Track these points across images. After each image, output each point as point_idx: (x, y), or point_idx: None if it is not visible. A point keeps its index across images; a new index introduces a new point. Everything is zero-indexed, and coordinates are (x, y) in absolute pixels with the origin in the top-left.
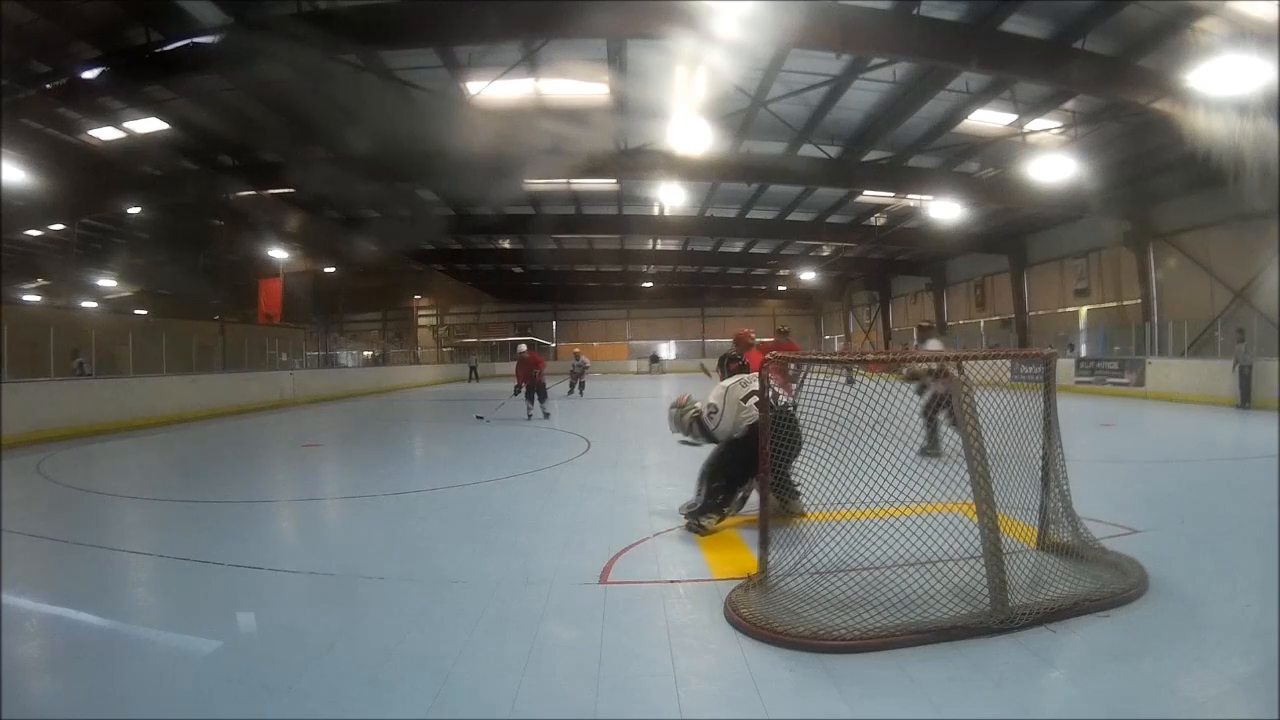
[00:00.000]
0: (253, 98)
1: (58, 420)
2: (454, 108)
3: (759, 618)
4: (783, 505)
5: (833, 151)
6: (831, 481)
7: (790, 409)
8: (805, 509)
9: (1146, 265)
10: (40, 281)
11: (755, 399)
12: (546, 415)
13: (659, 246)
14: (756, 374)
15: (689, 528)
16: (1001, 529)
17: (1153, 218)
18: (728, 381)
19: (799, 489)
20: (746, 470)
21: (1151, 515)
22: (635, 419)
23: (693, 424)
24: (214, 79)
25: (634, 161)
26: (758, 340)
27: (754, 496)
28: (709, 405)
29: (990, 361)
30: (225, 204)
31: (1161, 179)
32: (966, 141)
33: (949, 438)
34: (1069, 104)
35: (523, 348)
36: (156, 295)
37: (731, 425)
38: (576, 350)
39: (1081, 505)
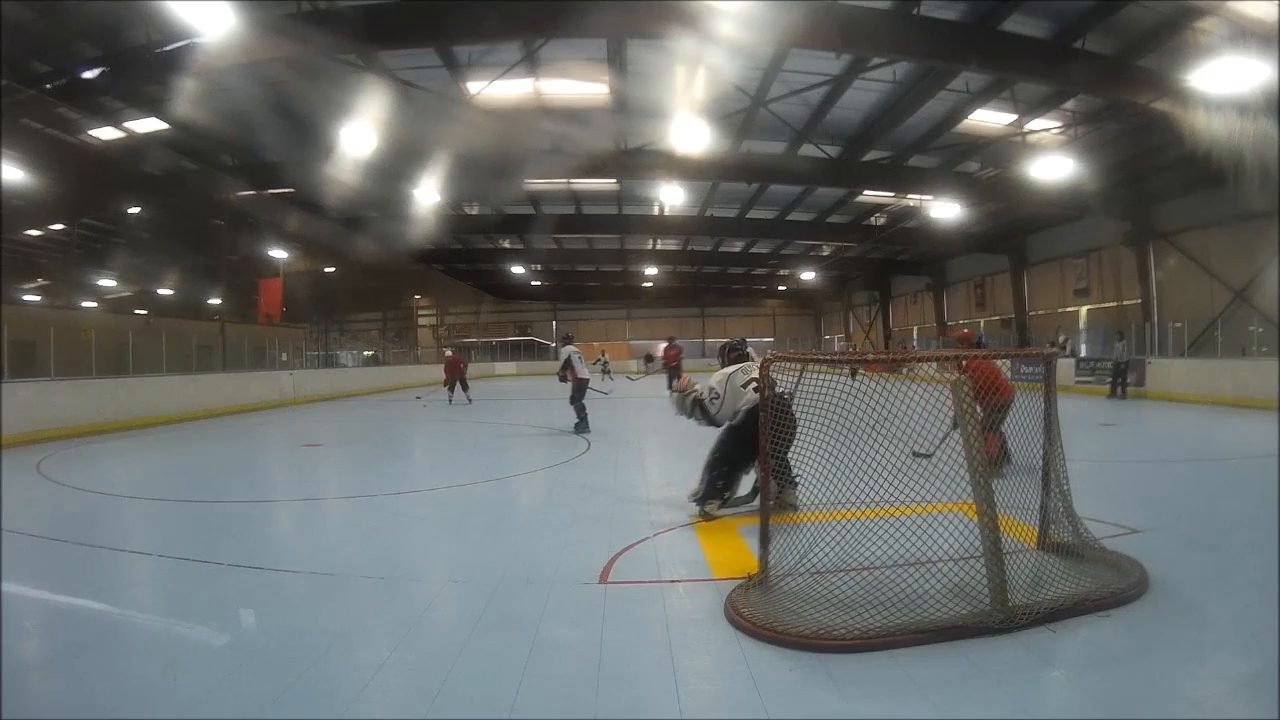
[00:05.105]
0: (253, 98)
1: (58, 420)
2: (454, 108)
3: (759, 617)
4: (779, 492)
5: (833, 151)
6: (832, 481)
7: (786, 398)
8: (799, 503)
9: (1146, 265)
10: (40, 281)
11: (755, 386)
12: (469, 400)
13: (659, 246)
14: (756, 363)
15: (700, 514)
16: (1001, 529)
17: (1153, 218)
18: (729, 369)
19: (798, 479)
20: (747, 455)
21: (1151, 515)
22: (635, 419)
23: (694, 406)
24: (214, 79)
25: (634, 161)
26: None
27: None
28: (710, 390)
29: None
30: (225, 204)
31: (1161, 179)
32: (966, 141)
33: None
34: (1069, 104)
35: (448, 352)
36: (156, 295)
37: (731, 410)
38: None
39: (1082, 505)
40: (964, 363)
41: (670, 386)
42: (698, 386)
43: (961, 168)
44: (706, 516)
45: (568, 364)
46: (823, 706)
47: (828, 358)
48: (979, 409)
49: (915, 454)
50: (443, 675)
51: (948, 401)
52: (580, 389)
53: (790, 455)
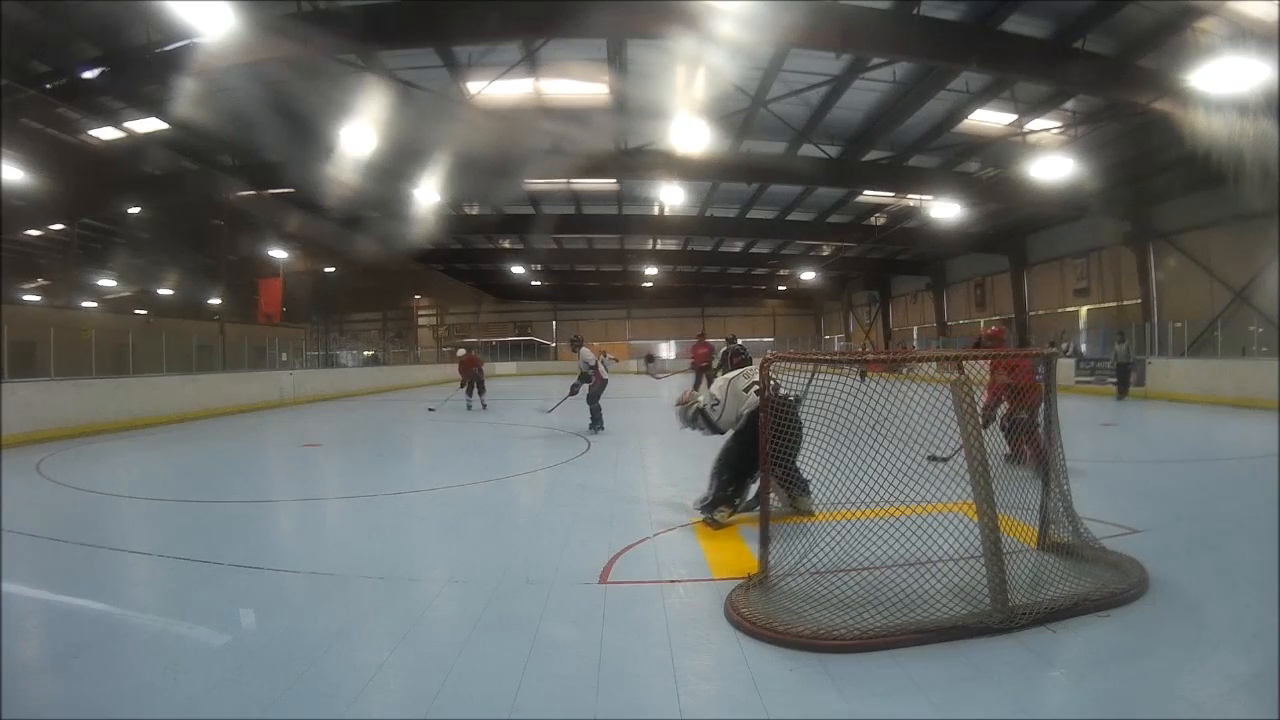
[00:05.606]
0: (253, 98)
1: (58, 420)
2: (454, 108)
3: (759, 617)
4: (790, 500)
5: (833, 151)
6: (832, 481)
7: (791, 400)
8: (814, 508)
9: (1146, 265)
10: (40, 281)
11: (757, 389)
12: (485, 406)
13: (659, 246)
14: (757, 367)
15: (706, 521)
16: (1001, 529)
17: (1153, 218)
18: (730, 374)
19: (809, 485)
20: (753, 459)
21: (1152, 515)
22: (635, 418)
23: (697, 416)
24: (214, 79)
25: (634, 161)
26: None
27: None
28: (711, 397)
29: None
30: (225, 204)
31: (1161, 179)
32: (966, 141)
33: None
34: (1069, 104)
35: (461, 351)
36: (156, 295)
37: (734, 416)
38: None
39: (1082, 505)
40: (999, 363)
41: (695, 387)
42: (700, 398)
43: (961, 168)
44: (715, 524)
45: (592, 365)
46: (823, 706)
47: (831, 358)
48: (1006, 406)
49: (931, 458)
50: (443, 675)
51: (967, 403)
52: (599, 390)
53: (798, 459)
